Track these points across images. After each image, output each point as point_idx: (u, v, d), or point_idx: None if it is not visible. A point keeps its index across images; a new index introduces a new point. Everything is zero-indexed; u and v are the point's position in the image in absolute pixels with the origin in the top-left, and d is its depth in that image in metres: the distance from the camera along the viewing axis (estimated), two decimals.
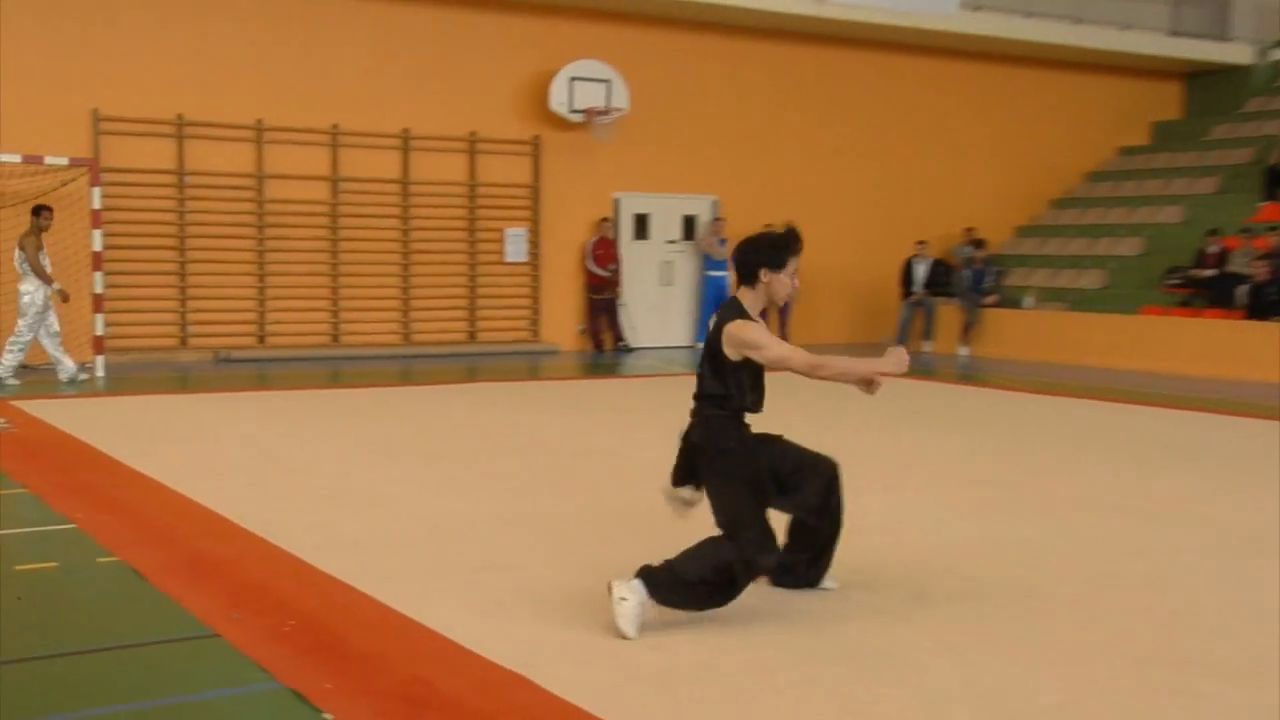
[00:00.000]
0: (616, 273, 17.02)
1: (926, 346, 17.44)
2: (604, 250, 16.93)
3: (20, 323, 12.14)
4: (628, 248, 17.44)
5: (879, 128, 19.14)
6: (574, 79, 16.34)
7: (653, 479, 7.12)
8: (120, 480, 7.29)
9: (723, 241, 17.53)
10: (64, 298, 12.28)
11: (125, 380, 12.52)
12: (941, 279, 17.69)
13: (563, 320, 17.06)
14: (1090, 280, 17.82)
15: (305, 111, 15.29)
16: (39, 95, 13.84)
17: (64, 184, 13.51)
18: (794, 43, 18.24)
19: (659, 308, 17.82)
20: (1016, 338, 16.80)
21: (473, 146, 16.32)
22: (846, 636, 4.49)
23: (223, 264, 15.03)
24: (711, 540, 4.58)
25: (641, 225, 17.70)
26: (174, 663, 4.24)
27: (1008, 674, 4.11)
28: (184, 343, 14.91)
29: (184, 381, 12.99)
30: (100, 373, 12.70)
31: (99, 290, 12.90)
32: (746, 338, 4.61)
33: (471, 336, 16.50)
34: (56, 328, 12.36)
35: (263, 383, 12.77)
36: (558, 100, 16.31)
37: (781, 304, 4.80)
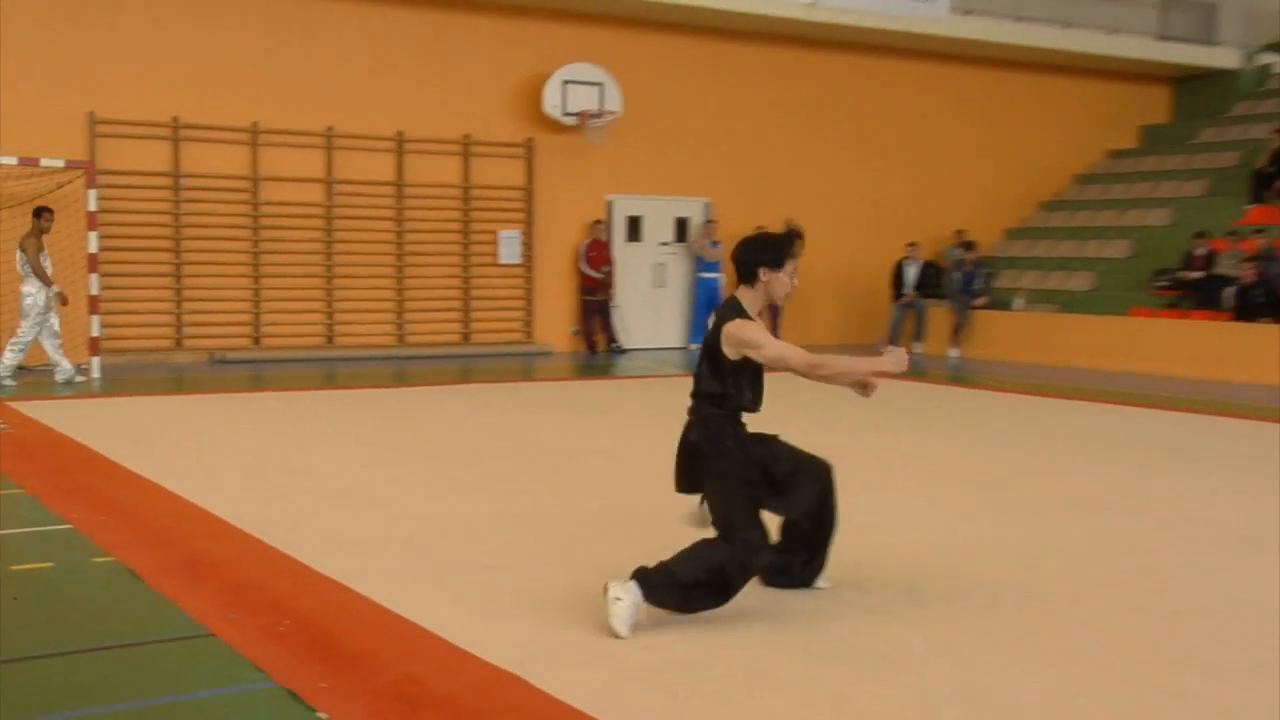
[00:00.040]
0: (609, 274, 17.10)
1: (917, 348, 17.52)
2: (597, 252, 17.01)
3: (23, 324, 12.19)
4: (621, 250, 17.53)
5: (870, 131, 19.25)
6: (567, 82, 16.42)
7: (647, 479, 7.18)
8: (116, 481, 7.31)
9: (715, 244, 17.64)
10: (62, 300, 12.32)
11: (121, 381, 12.55)
12: (932, 281, 17.77)
13: (556, 322, 17.14)
14: (1079, 282, 17.92)
15: (300, 114, 15.35)
16: (35, 97, 13.89)
17: (60, 186, 13.56)
18: (785, 46, 18.34)
19: (651, 309, 17.90)
20: (1006, 339, 16.89)
21: (467, 149, 16.40)
22: (839, 636, 4.49)
23: (218, 265, 15.08)
24: (706, 542, 4.58)
25: (634, 227, 17.78)
26: (170, 662, 4.25)
27: (1001, 673, 4.11)
28: (179, 344, 14.96)
29: (179, 383, 13.02)
30: (96, 374, 12.73)
31: (94, 292, 12.94)
32: (745, 337, 4.60)
33: (465, 338, 16.57)
34: (57, 329, 12.41)
35: (258, 384, 12.81)
36: (551, 103, 16.39)
37: (781, 303, 4.85)
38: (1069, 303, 17.29)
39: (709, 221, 17.85)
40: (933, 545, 5.94)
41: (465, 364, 15.48)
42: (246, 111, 15.07)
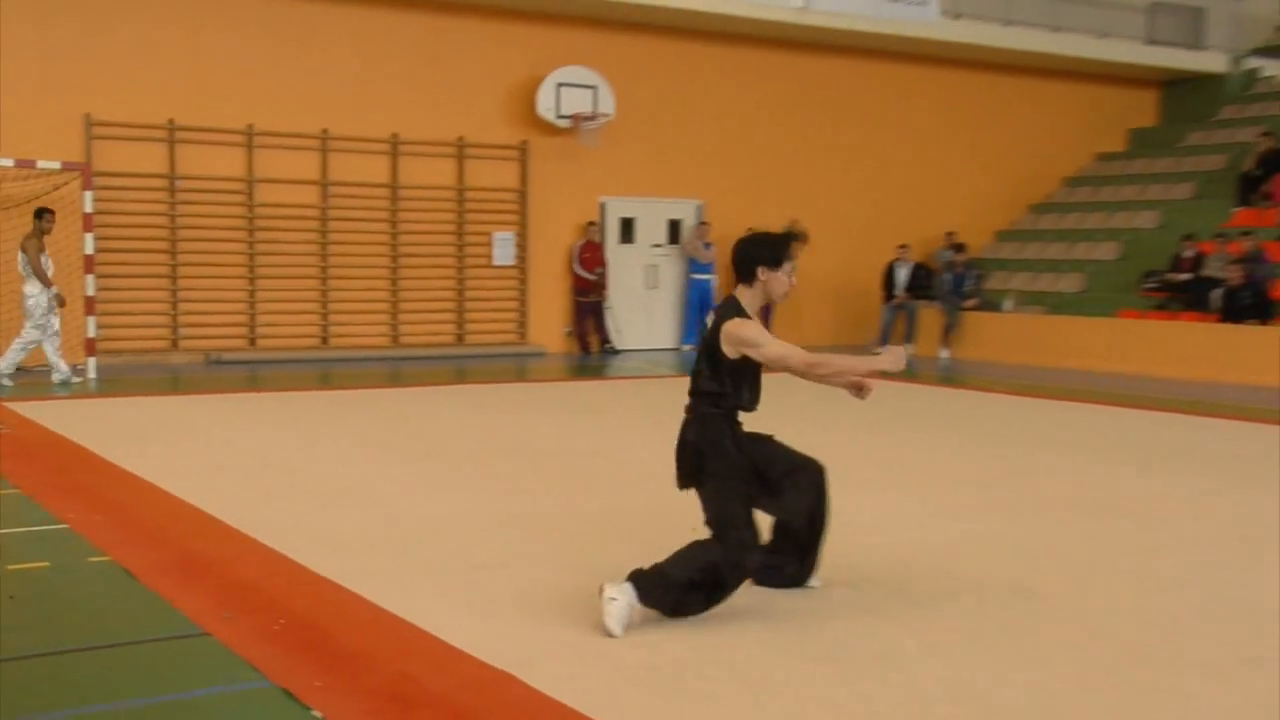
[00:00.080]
0: (603, 276, 17.18)
1: (908, 349, 17.60)
2: (590, 254, 17.09)
3: (27, 324, 12.27)
4: (614, 251, 17.61)
5: (861, 133, 19.36)
6: (561, 85, 16.51)
7: (642, 480, 7.26)
8: (112, 481, 7.32)
9: (708, 245, 17.75)
10: (60, 303, 12.37)
11: (117, 382, 12.57)
12: (923, 282, 17.86)
13: (550, 322, 17.23)
14: (1068, 284, 18.05)
15: (295, 117, 15.42)
16: (32, 100, 13.94)
17: (56, 188, 13.60)
18: (777, 50, 18.45)
19: (644, 310, 17.99)
20: (996, 340, 16.98)
21: (461, 151, 16.48)
22: (831, 635, 4.50)
23: (214, 267, 15.14)
24: (699, 543, 4.60)
25: (627, 229, 17.88)
26: (165, 661, 4.25)
27: (991, 672, 4.12)
28: (175, 345, 15.01)
29: (175, 383, 13.06)
30: (92, 375, 12.76)
31: (91, 293, 12.98)
32: (744, 335, 4.59)
33: (460, 338, 16.64)
34: (57, 328, 12.45)
35: (253, 384, 12.84)
36: (545, 106, 16.47)
37: (780, 301, 4.85)
38: (1058, 304, 17.40)
39: (701, 223, 17.95)
40: (924, 545, 5.95)
41: (460, 365, 15.56)
42: (242, 114, 15.14)
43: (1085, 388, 13.34)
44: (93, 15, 14.37)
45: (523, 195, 16.89)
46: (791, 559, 4.98)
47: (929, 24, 18.41)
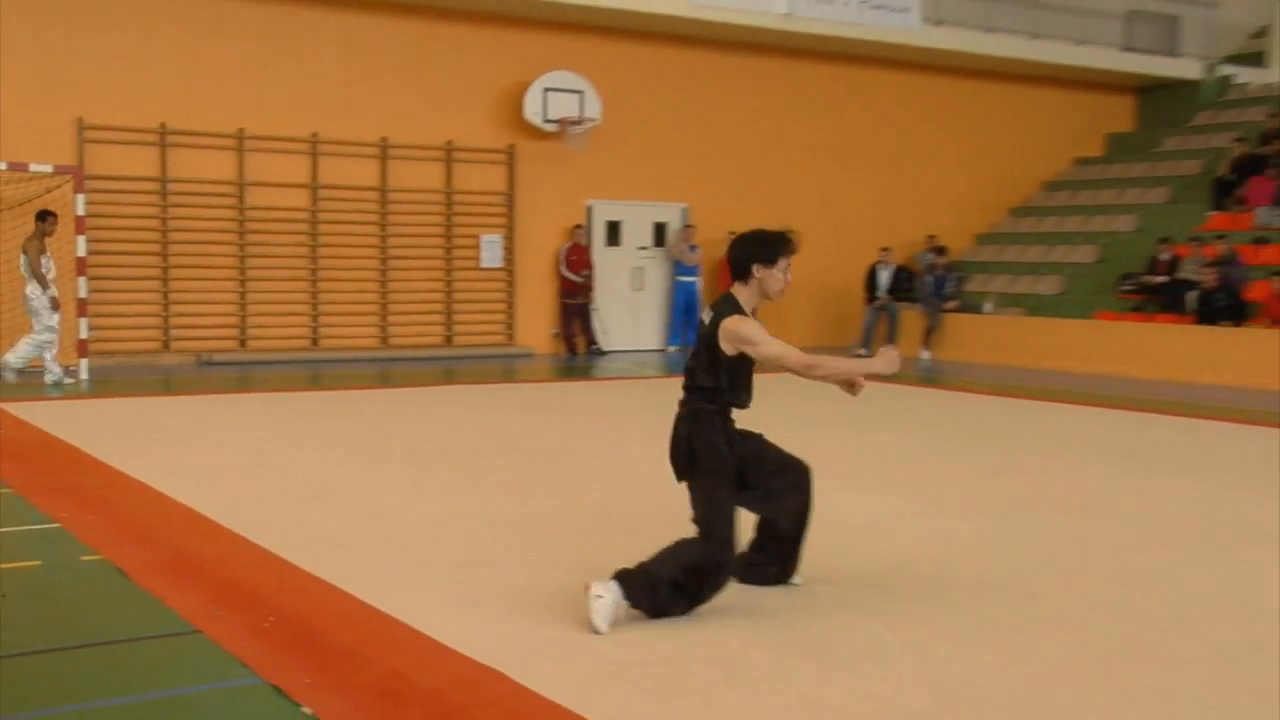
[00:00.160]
0: (589, 278, 17.30)
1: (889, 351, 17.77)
2: (577, 256, 17.23)
3: (34, 322, 12.40)
4: (600, 254, 17.75)
5: (844, 138, 19.55)
6: (548, 90, 16.64)
7: (629, 479, 7.36)
8: (104, 481, 7.32)
9: (693, 248, 17.93)
10: (55, 305, 12.46)
11: (109, 383, 12.59)
12: (904, 285, 17.98)
13: (537, 324, 17.36)
14: (1047, 286, 18.24)
15: (286, 120, 15.53)
16: (25, 104, 14.02)
17: (49, 191, 13.65)
18: (762, 55, 18.63)
19: (630, 312, 18.13)
20: (976, 342, 17.13)
21: (449, 155, 16.61)
22: (814, 631, 4.52)
23: (205, 269, 15.24)
24: (683, 541, 4.63)
25: (614, 232, 18.02)
26: (157, 659, 4.27)
27: (971, 667, 4.15)
28: (167, 346, 15.10)
29: (167, 384, 13.09)
30: (84, 376, 12.79)
31: (83, 295, 13.03)
32: (743, 333, 4.62)
33: (448, 340, 16.77)
34: (55, 328, 12.54)
35: (244, 385, 12.90)
36: (532, 110, 16.61)
37: (776, 299, 4.86)
38: (1037, 306, 17.55)
39: (687, 226, 18.12)
40: (905, 542, 5.99)
41: (448, 365, 15.66)
42: (233, 118, 15.25)
43: (1064, 388, 13.45)
44: (85, 20, 14.46)
45: (510, 198, 17.04)
46: (775, 558, 5.02)
47: (911, 31, 18.59)
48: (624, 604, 4.48)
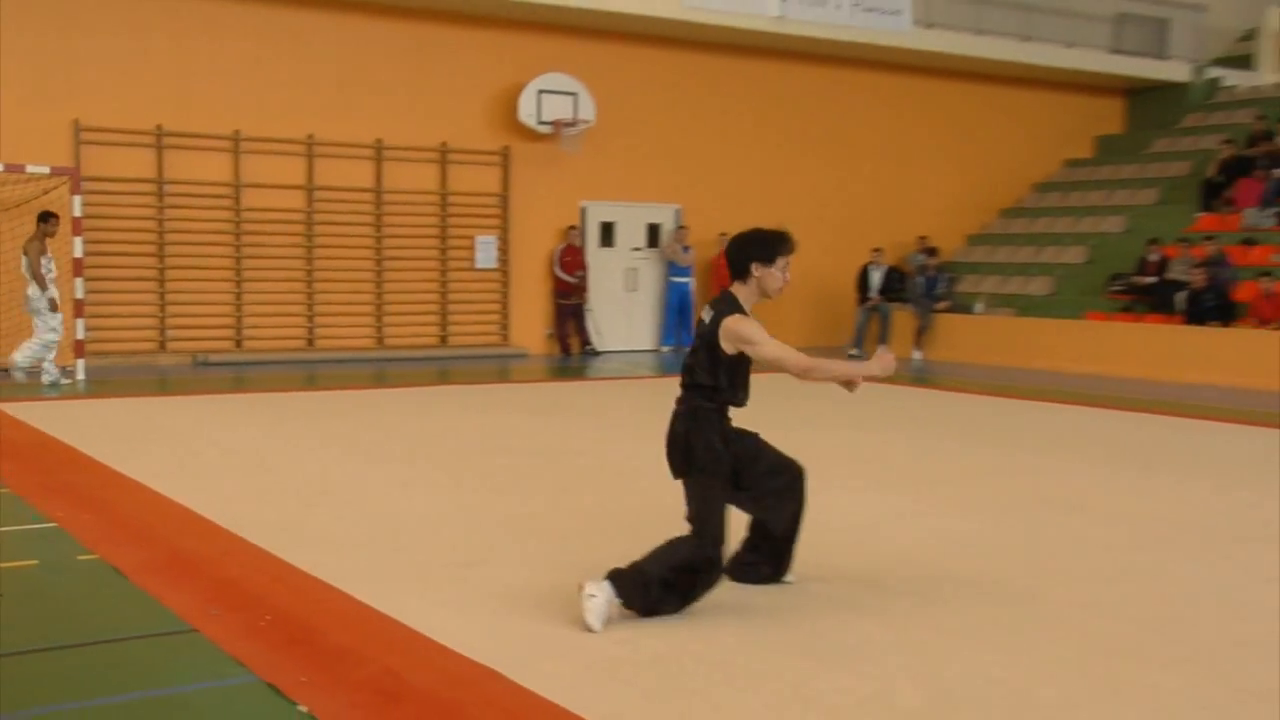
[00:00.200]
0: (583, 279, 17.37)
1: (881, 351, 17.84)
2: (571, 257, 17.31)
3: (38, 322, 12.45)
4: (594, 255, 17.83)
5: (836, 139, 19.66)
6: (542, 91, 16.72)
7: (623, 479, 7.41)
8: (101, 480, 7.34)
9: (686, 249, 18.02)
10: (53, 306, 12.51)
11: (106, 383, 12.62)
12: (896, 285, 18.07)
13: (531, 325, 17.43)
14: (1038, 287, 18.34)
15: (281, 122, 15.58)
16: (21, 106, 14.06)
17: (45, 192, 13.69)
18: (755, 58, 18.71)
19: (624, 313, 18.20)
20: (967, 342, 17.23)
21: (444, 156, 16.68)
22: (806, 629, 4.54)
23: (201, 270, 15.29)
24: (676, 539, 4.66)
25: (607, 233, 18.10)
26: (153, 657, 4.28)
27: (966, 666, 4.17)
28: (163, 347, 15.15)
29: (163, 384, 13.13)
30: (81, 376, 12.83)
31: (79, 295, 13.07)
32: (743, 332, 4.63)
33: (443, 340, 16.84)
34: (59, 329, 12.60)
35: (240, 385, 12.93)
36: (526, 112, 16.69)
37: (775, 297, 4.85)
38: (1027, 307, 17.65)
39: (680, 227, 18.20)
40: (896, 541, 6.03)
41: (443, 366, 15.73)
42: (229, 119, 15.31)
43: (1054, 388, 13.52)
44: (82, 22, 14.50)
45: (505, 200, 17.11)
46: (768, 558, 5.05)
47: (902, 33, 18.69)
48: (617, 603, 4.51)
